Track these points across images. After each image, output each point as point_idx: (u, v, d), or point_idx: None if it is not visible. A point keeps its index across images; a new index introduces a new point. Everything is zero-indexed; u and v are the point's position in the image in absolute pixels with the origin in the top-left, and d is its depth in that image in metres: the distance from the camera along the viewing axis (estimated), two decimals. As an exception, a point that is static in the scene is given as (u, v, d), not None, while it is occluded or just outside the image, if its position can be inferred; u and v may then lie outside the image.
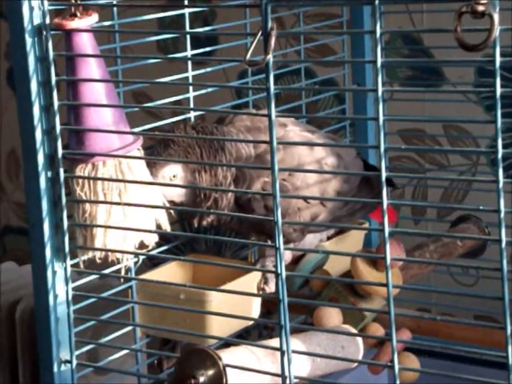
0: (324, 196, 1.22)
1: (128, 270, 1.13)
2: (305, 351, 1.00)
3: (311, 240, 1.27)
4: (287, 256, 1.25)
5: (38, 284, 1.03)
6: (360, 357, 1.07)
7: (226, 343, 1.07)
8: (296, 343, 1.00)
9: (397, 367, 0.86)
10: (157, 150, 1.14)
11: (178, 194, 1.16)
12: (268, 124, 0.88)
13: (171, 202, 1.15)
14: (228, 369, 0.92)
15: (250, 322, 1.22)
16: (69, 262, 1.03)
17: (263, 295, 1.20)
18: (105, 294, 1.14)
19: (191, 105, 1.24)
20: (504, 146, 0.77)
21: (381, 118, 0.82)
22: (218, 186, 1.15)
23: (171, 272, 1.23)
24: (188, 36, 1.23)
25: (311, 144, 1.23)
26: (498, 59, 0.75)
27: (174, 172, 1.15)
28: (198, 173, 1.15)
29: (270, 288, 1.21)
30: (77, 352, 1.05)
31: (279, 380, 0.93)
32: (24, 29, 0.97)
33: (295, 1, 1.31)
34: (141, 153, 1.04)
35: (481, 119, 1.54)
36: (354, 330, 1.13)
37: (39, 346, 1.05)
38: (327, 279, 1.24)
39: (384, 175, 0.83)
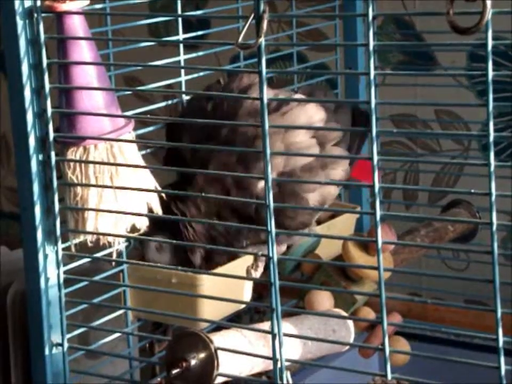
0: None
1: (119, 253, 1.13)
2: (297, 334, 1.00)
3: None
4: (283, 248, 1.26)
5: (29, 267, 1.03)
6: (351, 341, 1.07)
7: (218, 327, 1.07)
8: (287, 326, 1.00)
9: (387, 350, 0.86)
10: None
11: None
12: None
13: None
14: (219, 352, 0.92)
15: (242, 306, 1.22)
16: (60, 246, 1.03)
17: (255, 278, 1.20)
18: (96, 278, 1.14)
19: (183, 89, 1.23)
20: (495, 131, 0.77)
21: (373, 101, 0.82)
22: None
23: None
24: (180, 20, 1.23)
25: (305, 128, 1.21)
26: (490, 42, 0.75)
27: None
28: None
29: (257, 275, 1.21)
30: (68, 336, 1.05)
31: (271, 362, 0.93)
32: (15, 11, 0.97)
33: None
34: (132, 136, 1.04)
35: (473, 103, 1.54)
36: (345, 314, 1.13)
37: (30, 330, 1.05)
38: (318, 262, 1.24)
39: (376, 159, 0.83)
